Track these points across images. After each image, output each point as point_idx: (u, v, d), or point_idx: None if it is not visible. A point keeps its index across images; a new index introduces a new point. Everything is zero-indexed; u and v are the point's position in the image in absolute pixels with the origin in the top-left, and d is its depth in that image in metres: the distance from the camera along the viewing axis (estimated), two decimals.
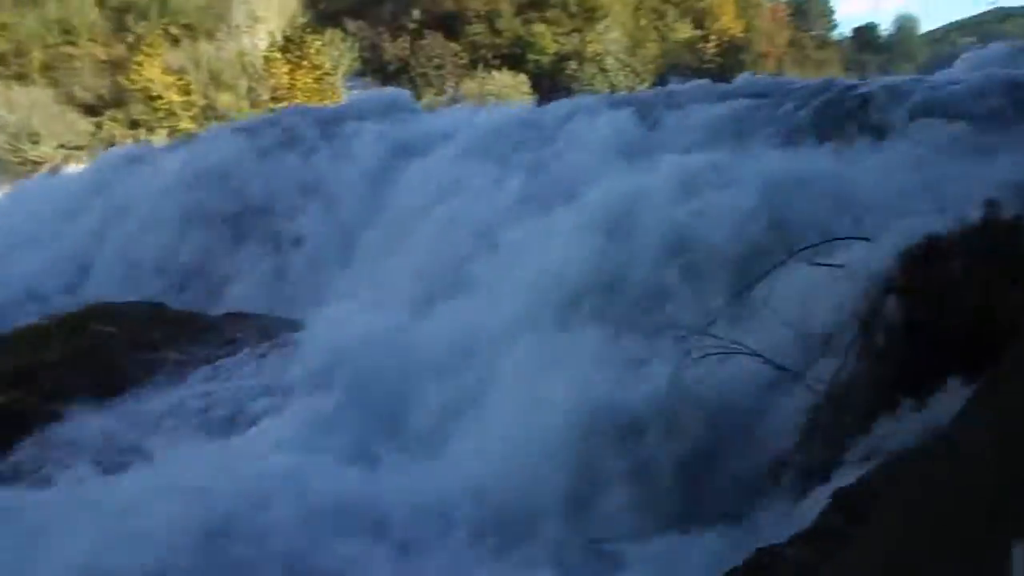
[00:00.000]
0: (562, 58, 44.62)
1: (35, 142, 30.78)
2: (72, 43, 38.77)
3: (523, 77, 42.01)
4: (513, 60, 44.02)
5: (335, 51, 41.79)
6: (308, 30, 38.64)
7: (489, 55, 44.23)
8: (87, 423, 5.70)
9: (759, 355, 4.22)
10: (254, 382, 6.35)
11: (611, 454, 4.55)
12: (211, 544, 4.10)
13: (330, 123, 11.50)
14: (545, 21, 46.05)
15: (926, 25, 74.00)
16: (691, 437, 4.62)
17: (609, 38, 45.83)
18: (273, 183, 10.71)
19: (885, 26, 71.28)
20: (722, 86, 10.47)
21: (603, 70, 43.93)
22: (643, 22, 51.48)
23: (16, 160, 30.25)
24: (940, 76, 10.27)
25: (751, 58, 50.88)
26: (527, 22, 45.98)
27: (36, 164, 30.23)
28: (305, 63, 34.96)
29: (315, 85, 34.91)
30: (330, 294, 8.02)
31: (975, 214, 4.25)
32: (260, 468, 4.92)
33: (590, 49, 44.52)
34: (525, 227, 6.74)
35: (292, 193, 10.57)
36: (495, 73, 42.21)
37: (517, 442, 4.81)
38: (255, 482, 4.69)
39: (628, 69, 45.15)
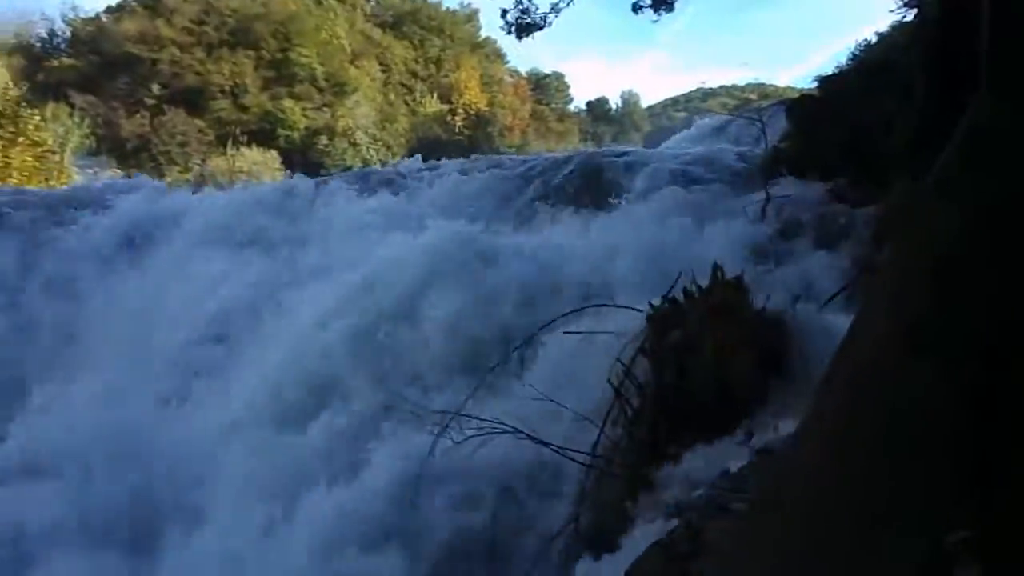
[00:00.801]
0: (313, 133, 44.24)
1: None
2: None
3: (273, 153, 41.01)
4: (263, 136, 42.91)
5: (60, 127, 38.31)
6: (23, 104, 35.04)
7: (237, 131, 42.78)
8: None
9: (519, 431, 4.16)
10: None
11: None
12: None
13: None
14: (294, 96, 45.56)
15: (646, 101, 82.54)
16: (456, 519, 4.46)
17: (359, 113, 46.23)
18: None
19: (614, 100, 78.53)
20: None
21: (354, 144, 44.10)
22: (392, 97, 52.66)
23: None
24: (671, 148, 11.25)
25: (497, 130, 53.57)
26: (275, 97, 45.21)
27: None
28: (21, 139, 31.55)
29: (35, 164, 31.56)
30: (59, 386, 7.06)
31: (706, 275, 4.56)
32: None
33: (341, 124, 44.58)
34: (272, 312, 6.37)
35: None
36: (244, 150, 40.85)
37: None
38: None
39: (380, 143, 45.74)
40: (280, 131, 43.88)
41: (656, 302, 4.56)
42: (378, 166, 38.36)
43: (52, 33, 52.29)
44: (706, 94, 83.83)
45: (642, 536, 2.90)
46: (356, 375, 5.34)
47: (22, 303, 8.51)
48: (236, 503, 4.93)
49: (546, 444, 4.12)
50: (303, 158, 42.28)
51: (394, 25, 59.22)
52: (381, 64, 54.82)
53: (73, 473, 5.46)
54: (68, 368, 7.58)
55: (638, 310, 4.72)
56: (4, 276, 8.75)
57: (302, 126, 44.42)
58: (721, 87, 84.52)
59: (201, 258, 7.99)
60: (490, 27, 64.62)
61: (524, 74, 67.62)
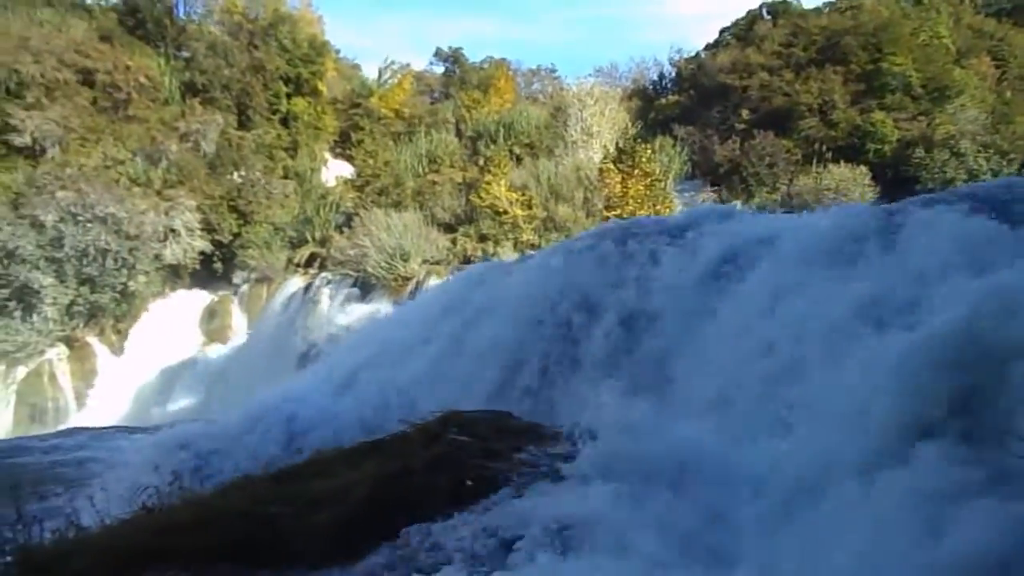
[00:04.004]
0: (906, 145, 41.30)
1: (405, 259, 35.42)
2: (436, 171, 44.82)
3: (862, 169, 39.53)
4: (850, 152, 41.73)
5: (664, 157, 43.12)
6: (638, 140, 40.34)
7: (823, 148, 42.47)
8: (451, 529, 5.98)
9: None
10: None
11: None
12: None
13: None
14: (884, 108, 43.29)
15: None
16: None
17: (963, 118, 41.53)
18: (610, 297, 11.02)
19: None
20: None
21: (957, 154, 39.67)
22: (1008, 95, 46.08)
23: (390, 277, 35.01)
24: None
25: None
26: (864, 111, 43.58)
27: (405, 279, 34.71)
28: (636, 171, 36.37)
29: (646, 192, 36.09)
30: (657, 406, 7.92)
31: None
32: None
33: (940, 132, 40.69)
34: (860, 343, 6.14)
35: (629, 308, 10.75)
36: (831, 167, 40.31)
37: None
38: None
39: (990, 150, 40.27)
40: (869, 145, 42.08)
41: None
42: (988, 177, 34.10)
43: (661, 75, 59.52)
44: None
45: None
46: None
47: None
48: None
49: None
50: (894, 172, 39.92)
51: (1012, 11, 51.91)
52: (994, 59, 48.56)
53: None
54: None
55: None
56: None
57: (894, 138, 41.87)
58: None
59: (795, 279, 8.17)
60: None
61: None
